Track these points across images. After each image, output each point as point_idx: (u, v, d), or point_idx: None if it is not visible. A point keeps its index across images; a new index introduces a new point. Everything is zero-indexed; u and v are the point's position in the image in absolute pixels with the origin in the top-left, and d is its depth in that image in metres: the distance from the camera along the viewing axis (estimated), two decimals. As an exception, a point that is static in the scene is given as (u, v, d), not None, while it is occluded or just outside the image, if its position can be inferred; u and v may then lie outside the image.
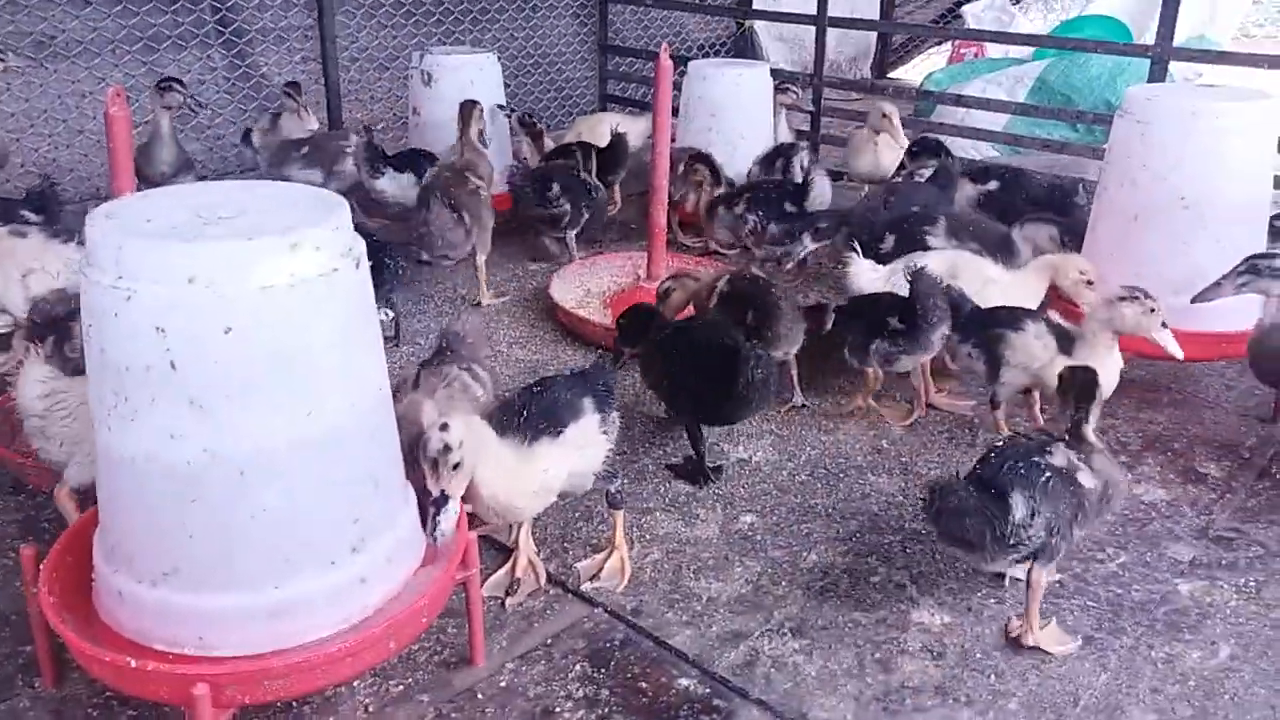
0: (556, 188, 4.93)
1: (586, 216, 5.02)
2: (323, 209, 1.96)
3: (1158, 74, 5.47)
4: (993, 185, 4.90)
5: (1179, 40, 5.62)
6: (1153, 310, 3.13)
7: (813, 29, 6.87)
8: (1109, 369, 3.07)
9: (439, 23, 7.22)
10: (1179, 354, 3.20)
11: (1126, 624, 2.64)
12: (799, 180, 4.81)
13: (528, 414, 2.48)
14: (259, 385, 1.80)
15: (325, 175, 5.20)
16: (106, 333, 1.82)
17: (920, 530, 3.00)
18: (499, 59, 5.82)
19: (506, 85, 5.93)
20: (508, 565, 2.74)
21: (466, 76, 5.61)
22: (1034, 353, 3.29)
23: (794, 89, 6.13)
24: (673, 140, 4.86)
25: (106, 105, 2.66)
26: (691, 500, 3.15)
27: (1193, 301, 3.39)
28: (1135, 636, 2.59)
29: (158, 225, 1.85)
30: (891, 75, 10.19)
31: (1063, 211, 4.51)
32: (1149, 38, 5.85)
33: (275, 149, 5.34)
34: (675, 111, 6.20)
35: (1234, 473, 3.35)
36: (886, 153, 5.52)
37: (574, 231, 5.02)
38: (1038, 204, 4.61)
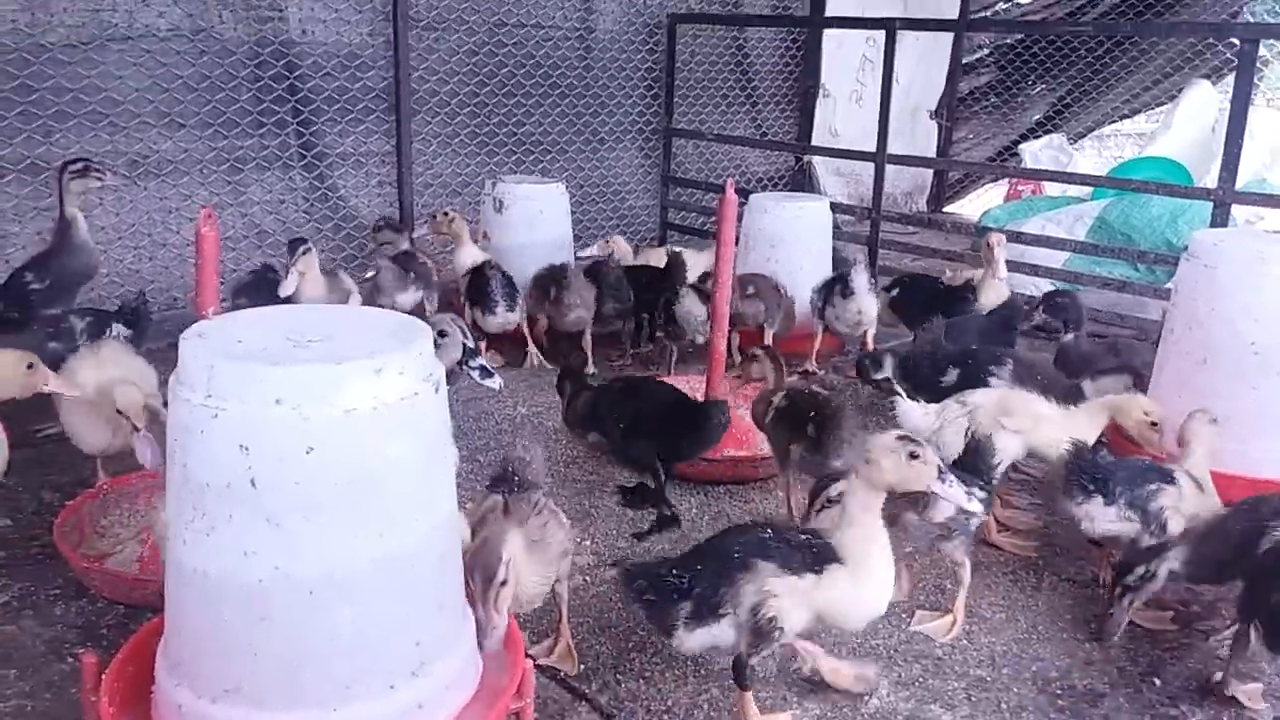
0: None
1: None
2: (407, 335, 2.02)
3: (1220, 217, 5.49)
4: (895, 291, 5.55)
5: (1240, 184, 5.66)
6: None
7: (871, 165, 7.05)
8: None
9: (511, 152, 7.52)
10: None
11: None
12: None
13: None
14: (335, 505, 1.84)
15: None
16: (191, 449, 1.87)
17: (984, 677, 2.90)
18: (567, 187, 6.03)
19: (573, 213, 6.13)
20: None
21: (536, 205, 5.82)
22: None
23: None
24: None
25: (198, 224, 2.80)
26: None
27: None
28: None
29: (248, 347, 1.93)
30: (947, 210, 10.35)
31: (1004, 328, 4.70)
32: (1208, 180, 5.91)
33: None
34: (736, 241, 6.39)
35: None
36: (989, 291, 5.35)
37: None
38: (931, 307, 4.94)
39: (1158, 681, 2.94)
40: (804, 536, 2.53)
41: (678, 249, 5.92)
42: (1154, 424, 3.52)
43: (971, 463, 3.18)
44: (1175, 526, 3.12)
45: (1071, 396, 3.83)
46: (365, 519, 1.86)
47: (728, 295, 4.33)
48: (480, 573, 2.24)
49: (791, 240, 5.80)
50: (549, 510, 2.74)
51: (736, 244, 6.06)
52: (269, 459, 1.82)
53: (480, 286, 5.25)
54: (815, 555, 2.45)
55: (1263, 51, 9.40)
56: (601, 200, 8.04)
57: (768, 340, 5.39)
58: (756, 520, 2.68)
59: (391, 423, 1.88)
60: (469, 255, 5.46)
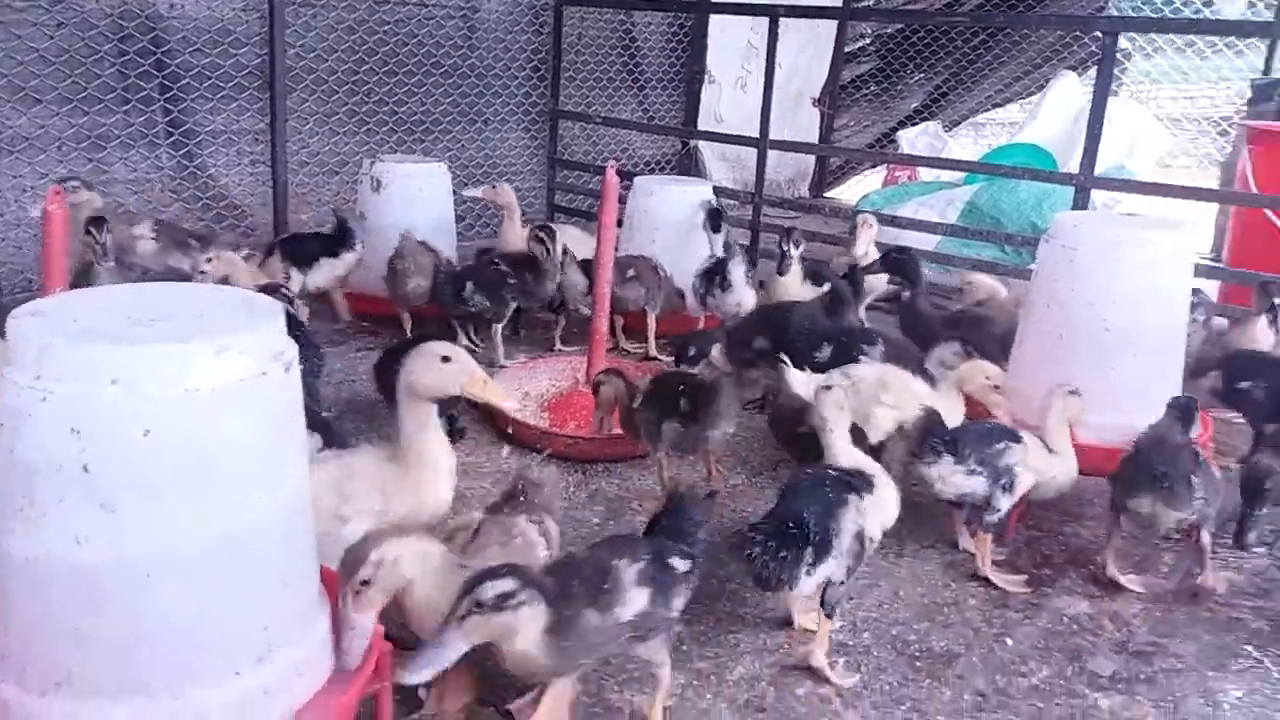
0: (470, 285, 5.02)
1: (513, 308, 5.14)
2: (254, 313, 1.97)
3: (1080, 201, 5.75)
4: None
5: (1100, 170, 5.94)
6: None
7: (754, 150, 7.15)
8: None
9: (392, 132, 7.38)
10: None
11: (1049, 740, 2.65)
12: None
13: None
14: (174, 487, 1.78)
15: None
16: (20, 433, 1.79)
17: (846, 642, 3.00)
18: (450, 168, 5.95)
19: (456, 194, 6.05)
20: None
21: (415, 185, 5.72)
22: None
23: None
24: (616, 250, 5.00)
25: (46, 202, 2.67)
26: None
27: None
28: (1057, 753, 2.60)
29: (84, 326, 1.85)
30: (828, 195, 10.58)
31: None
32: (1073, 166, 6.17)
33: None
34: (619, 224, 6.42)
35: (1152, 585, 3.42)
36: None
37: (499, 326, 5.10)
38: None
39: (1009, 641, 3.09)
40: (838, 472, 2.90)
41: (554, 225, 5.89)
42: (996, 387, 3.66)
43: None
44: (1024, 483, 3.31)
45: (920, 368, 4.01)
46: (205, 500, 1.81)
47: (609, 276, 4.37)
48: (345, 568, 2.19)
49: (676, 223, 5.86)
50: (525, 543, 2.63)
51: (620, 226, 6.14)
52: (103, 442, 1.75)
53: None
54: (864, 482, 2.88)
55: (1125, 45, 9.92)
56: (487, 181, 7.93)
57: (650, 323, 5.44)
58: (811, 466, 2.95)
59: (234, 403, 1.83)
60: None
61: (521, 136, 8.29)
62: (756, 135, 7.04)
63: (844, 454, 2.97)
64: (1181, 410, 3.48)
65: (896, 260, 4.92)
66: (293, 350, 2.02)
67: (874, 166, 10.45)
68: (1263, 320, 4.62)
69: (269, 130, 6.08)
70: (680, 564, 2.52)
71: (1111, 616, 3.24)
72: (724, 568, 3.38)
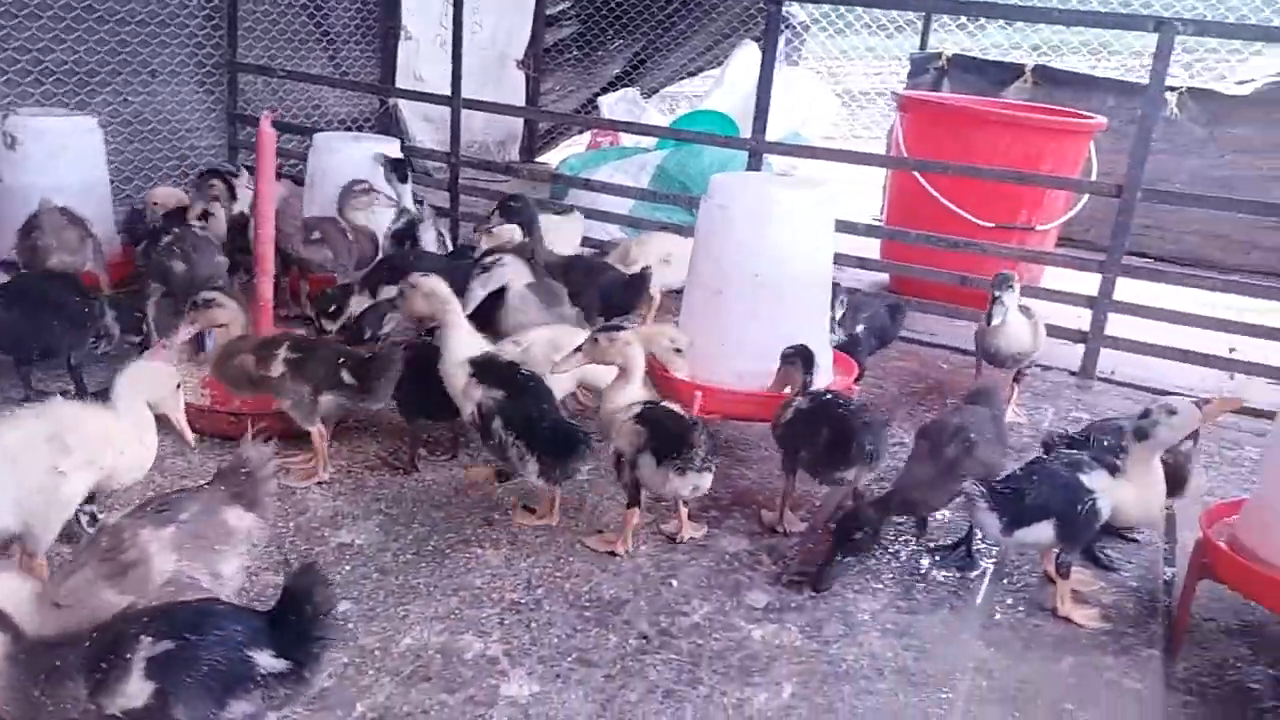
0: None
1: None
2: None
3: (754, 165, 6.07)
4: None
5: (778, 137, 6.30)
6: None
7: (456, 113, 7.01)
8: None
9: (37, 83, 6.55)
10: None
11: (704, 673, 2.79)
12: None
13: None
14: None
15: None
16: None
17: (518, 600, 3.02)
18: (111, 124, 5.36)
19: (121, 153, 5.46)
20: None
21: (58, 141, 5.13)
22: None
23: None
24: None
25: None
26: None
27: (769, 390, 3.72)
28: (711, 685, 2.74)
29: None
30: (540, 160, 10.59)
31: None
32: (749, 132, 6.50)
33: None
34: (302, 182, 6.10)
35: (808, 521, 3.69)
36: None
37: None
38: None
39: (675, 583, 3.22)
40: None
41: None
42: (678, 350, 3.83)
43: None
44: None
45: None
46: None
47: (270, 235, 4.11)
48: None
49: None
50: (140, 556, 2.32)
51: (302, 184, 5.83)
52: None
53: None
54: None
55: (804, 17, 10.59)
56: (157, 139, 7.27)
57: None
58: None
59: None
60: None
61: (195, 90, 7.62)
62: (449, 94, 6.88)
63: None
64: (802, 358, 3.63)
65: (512, 208, 4.96)
66: None
67: (582, 131, 10.55)
68: (1013, 314, 4.48)
69: None
70: (268, 661, 2.07)
71: (769, 551, 3.46)
72: (400, 539, 3.30)
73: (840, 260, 5.71)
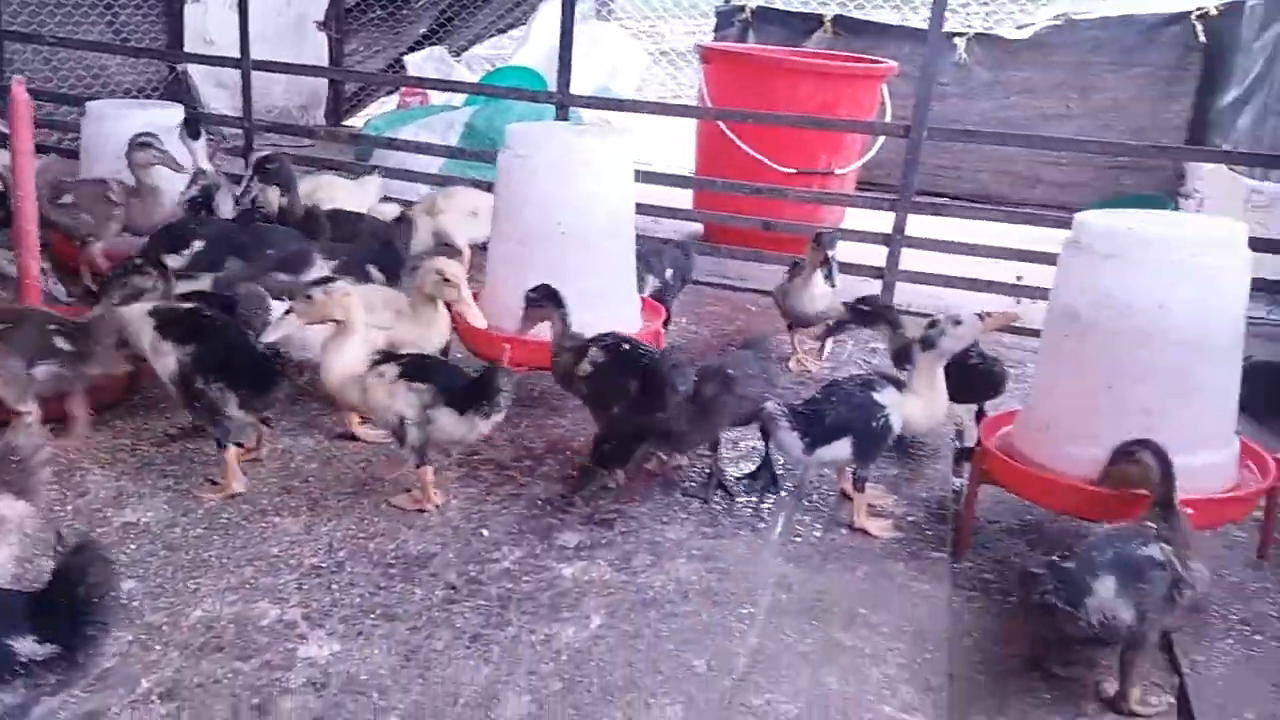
0: None
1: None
2: None
3: (562, 118, 6.05)
4: None
5: (587, 92, 6.28)
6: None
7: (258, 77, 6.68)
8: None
9: None
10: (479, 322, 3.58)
11: (513, 615, 2.79)
12: None
13: None
14: None
15: None
16: None
17: (319, 564, 2.94)
18: None
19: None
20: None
21: None
22: None
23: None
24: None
25: None
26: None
27: (518, 333, 3.72)
28: (519, 625, 2.75)
29: None
30: (346, 124, 10.22)
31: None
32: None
33: None
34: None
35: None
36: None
37: None
38: None
39: (485, 533, 3.21)
40: None
41: None
42: (446, 280, 3.61)
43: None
44: None
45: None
46: None
47: (33, 211, 3.81)
48: None
49: (142, 151, 5.27)
50: None
51: (76, 157, 5.44)
52: None
53: None
54: None
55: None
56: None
57: (90, 256, 4.88)
58: None
59: None
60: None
61: (-50, 60, 6.99)
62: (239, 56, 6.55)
63: None
64: (549, 299, 3.60)
65: (268, 170, 4.77)
66: None
67: (391, 92, 10.24)
68: (818, 274, 4.46)
69: None
70: (31, 648, 1.95)
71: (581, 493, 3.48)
72: (190, 514, 3.16)
73: (652, 211, 5.81)
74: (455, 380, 3.18)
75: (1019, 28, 9.00)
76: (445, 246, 4.85)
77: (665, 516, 3.38)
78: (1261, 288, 4.32)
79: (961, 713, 2.57)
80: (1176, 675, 2.74)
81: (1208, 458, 3.02)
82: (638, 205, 4.37)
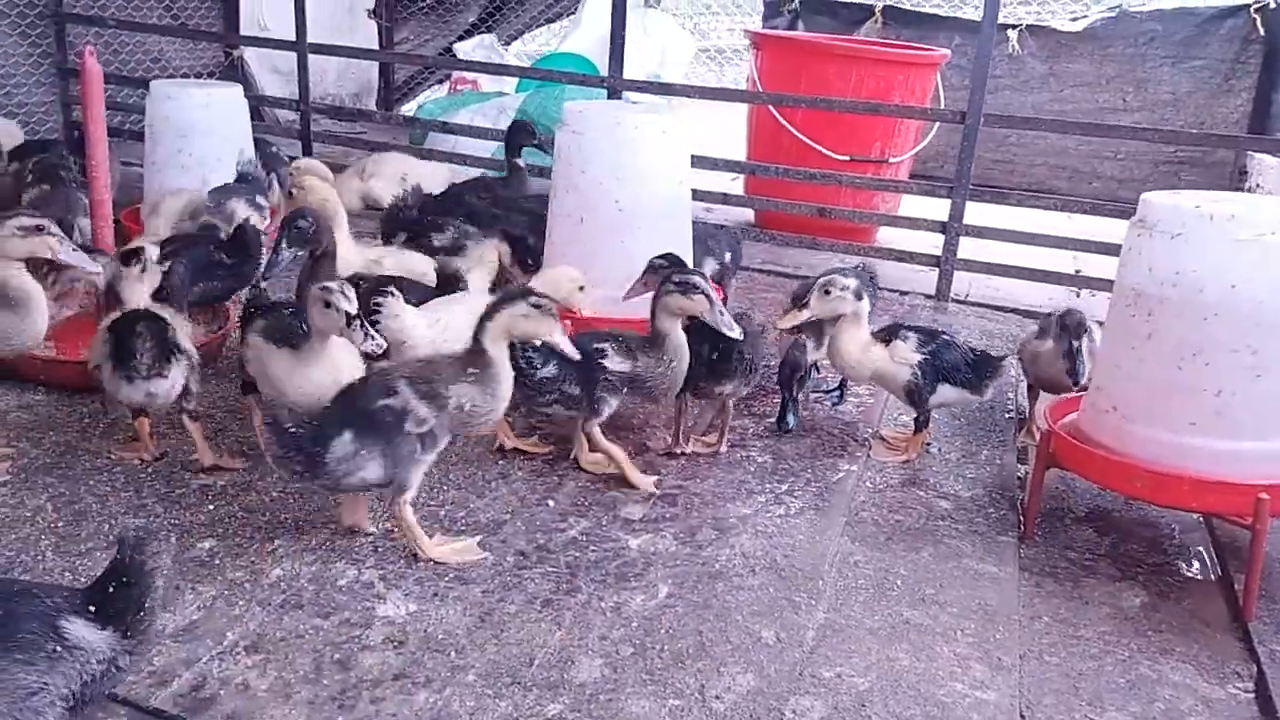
0: None
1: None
2: None
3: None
4: None
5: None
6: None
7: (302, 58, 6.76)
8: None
9: None
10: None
11: (582, 582, 2.82)
12: None
13: None
14: None
15: None
16: None
17: (390, 529, 2.98)
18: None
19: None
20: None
21: None
22: None
23: None
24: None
25: None
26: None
27: (624, 299, 3.73)
28: (589, 593, 2.77)
29: None
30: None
31: None
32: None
33: None
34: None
35: (680, 441, 3.75)
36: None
37: None
38: None
39: (552, 503, 3.24)
40: None
41: None
42: (581, 288, 3.72)
43: None
44: None
45: None
46: None
47: (107, 181, 3.89)
48: None
49: (205, 131, 5.35)
50: None
51: (141, 139, 5.53)
52: None
53: None
54: None
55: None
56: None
57: None
58: None
59: None
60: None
61: (19, 43, 7.13)
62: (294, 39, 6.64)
63: None
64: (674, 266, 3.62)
65: (299, 229, 4.78)
66: None
67: (440, 82, 10.32)
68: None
69: None
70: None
71: (645, 469, 3.50)
72: (265, 477, 3.22)
73: (706, 198, 5.82)
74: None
75: (1072, 19, 8.91)
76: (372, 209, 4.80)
77: (728, 495, 3.39)
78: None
79: (1034, 693, 2.56)
80: (1255, 664, 2.71)
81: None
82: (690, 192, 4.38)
